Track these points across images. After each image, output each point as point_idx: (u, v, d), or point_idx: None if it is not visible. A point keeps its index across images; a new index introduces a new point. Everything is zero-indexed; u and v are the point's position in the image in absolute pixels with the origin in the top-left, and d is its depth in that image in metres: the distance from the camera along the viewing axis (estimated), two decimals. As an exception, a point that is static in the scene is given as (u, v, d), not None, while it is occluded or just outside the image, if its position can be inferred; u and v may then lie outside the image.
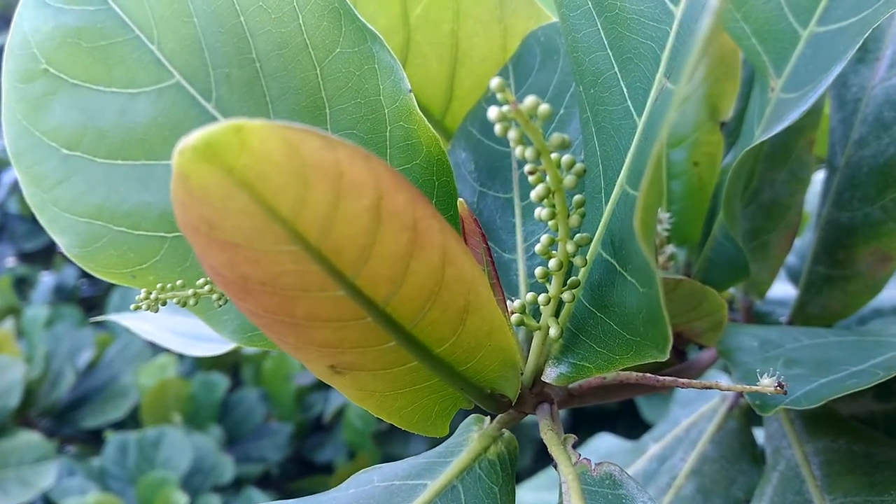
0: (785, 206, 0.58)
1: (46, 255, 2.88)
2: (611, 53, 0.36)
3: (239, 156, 0.21)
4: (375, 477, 0.37)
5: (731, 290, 0.65)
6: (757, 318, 0.67)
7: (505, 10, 0.51)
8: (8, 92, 0.42)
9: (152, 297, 0.36)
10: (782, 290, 0.71)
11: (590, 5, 0.37)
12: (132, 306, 0.37)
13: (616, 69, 0.36)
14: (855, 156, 0.55)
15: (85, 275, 2.79)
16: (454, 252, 0.28)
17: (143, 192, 0.42)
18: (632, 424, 1.45)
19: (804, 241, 0.71)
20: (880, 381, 0.40)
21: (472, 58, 0.52)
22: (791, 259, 0.70)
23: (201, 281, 0.37)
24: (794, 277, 0.72)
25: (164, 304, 0.36)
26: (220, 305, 0.37)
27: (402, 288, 0.27)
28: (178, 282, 0.37)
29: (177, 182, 0.21)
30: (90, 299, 2.79)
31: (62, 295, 2.62)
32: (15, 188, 2.62)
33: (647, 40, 0.34)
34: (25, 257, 2.90)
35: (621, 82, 0.35)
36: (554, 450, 0.35)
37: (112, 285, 2.58)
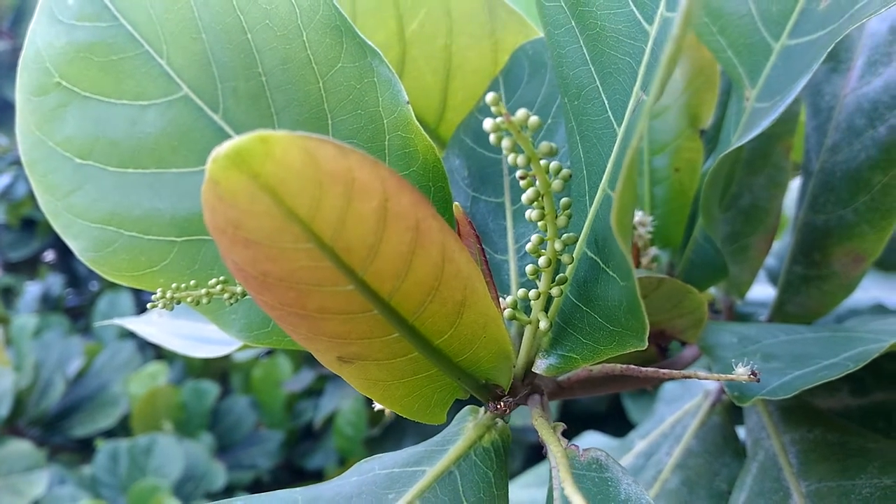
0: (764, 210, 0.59)
1: (31, 264, 2.87)
2: (592, 68, 0.38)
3: (264, 163, 0.23)
4: (376, 465, 0.38)
5: (713, 291, 0.67)
6: (738, 318, 0.69)
7: (495, 25, 0.53)
8: (22, 104, 0.43)
9: (168, 296, 0.38)
10: (762, 291, 0.73)
11: (573, 24, 0.39)
12: (149, 305, 0.39)
13: (598, 83, 0.38)
14: (829, 161, 0.56)
15: (70, 284, 2.80)
16: (452, 250, 0.30)
17: (153, 199, 0.43)
18: (619, 426, 1.47)
19: (782, 243, 0.73)
20: (850, 371, 0.41)
21: (464, 70, 0.54)
22: (770, 261, 0.72)
23: (213, 281, 0.39)
24: (773, 279, 0.73)
25: (179, 303, 0.38)
26: (231, 304, 0.39)
27: (405, 283, 0.29)
28: (192, 282, 0.39)
29: (208, 187, 0.23)
30: (76, 308, 2.79)
31: (48, 304, 2.60)
32: (0, 198, 2.61)
33: (626, 56, 0.36)
34: (10, 267, 2.89)
35: (602, 95, 0.37)
36: (544, 433, 0.38)
37: (97, 295, 2.58)
